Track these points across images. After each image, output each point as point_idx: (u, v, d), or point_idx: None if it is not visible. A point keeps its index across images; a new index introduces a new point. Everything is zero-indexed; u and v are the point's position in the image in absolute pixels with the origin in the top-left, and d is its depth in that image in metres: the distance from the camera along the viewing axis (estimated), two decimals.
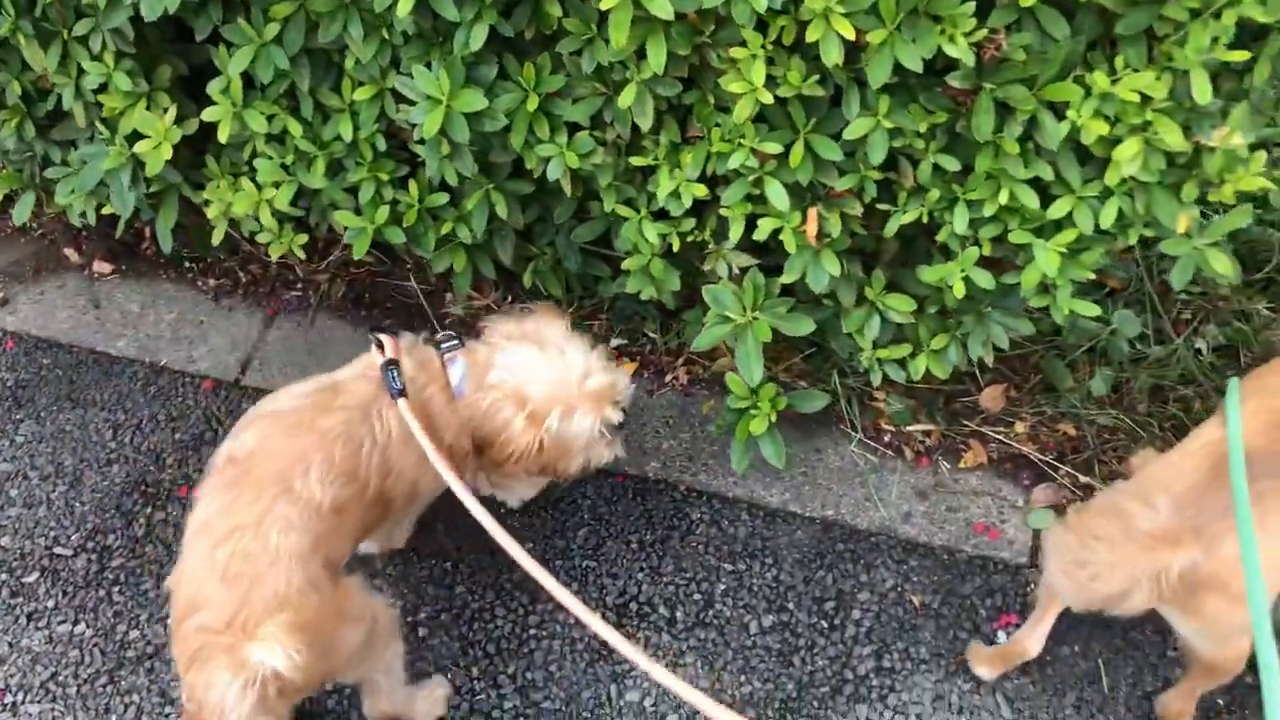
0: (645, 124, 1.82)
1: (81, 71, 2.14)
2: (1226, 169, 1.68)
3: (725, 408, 2.39)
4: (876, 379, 2.31)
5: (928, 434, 2.69)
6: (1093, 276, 1.86)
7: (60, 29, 2.10)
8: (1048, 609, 2.20)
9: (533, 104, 1.88)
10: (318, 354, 2.86)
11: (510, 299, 2.88)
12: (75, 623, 2.38)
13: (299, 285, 2.98)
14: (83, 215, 2.46)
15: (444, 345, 2.06)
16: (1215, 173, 1.68)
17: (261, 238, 2.42)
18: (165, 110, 2.14)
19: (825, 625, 2.41)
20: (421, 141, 2.05)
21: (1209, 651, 1.97)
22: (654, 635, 2.39)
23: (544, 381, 1.96)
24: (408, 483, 2.02)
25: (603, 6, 1.59)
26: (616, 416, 2.03)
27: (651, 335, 2.83)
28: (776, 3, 1.55)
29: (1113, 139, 1.64)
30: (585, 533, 2.55)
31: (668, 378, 2.81)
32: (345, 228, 2.23)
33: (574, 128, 1.97)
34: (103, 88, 2.15)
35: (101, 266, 3.01)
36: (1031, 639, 2.23)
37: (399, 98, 2.00)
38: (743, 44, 1.66)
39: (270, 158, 2.16)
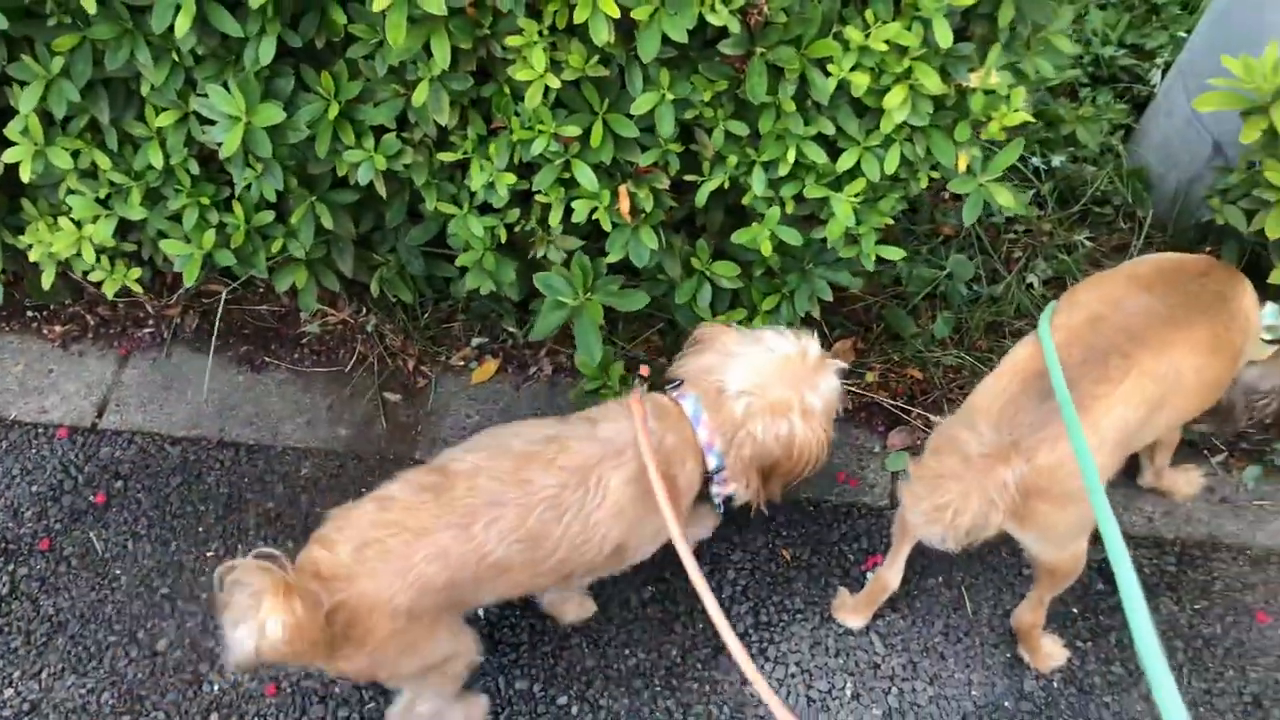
0: (444, 119, 1.86)
1: None
2: (990, 107, 1.79)
3: (580, 390, 2.44)
4: None
5: None
6: (891, 222, 1.95)
7: None
8: (901, 543, 2.30)
9: (334, 112, 1.90)
10: (176, 388, 2.82)
11: (364, 310, 2.89)
12: None
13: (150, 322, 2.94)
14: None
15: (669, 388, 1.97)
16: (980, 111, 1.79)
17: (94, 276, 2.38)
18: None
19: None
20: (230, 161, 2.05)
21: (1049, 556, 2.08)
22: (536, 622, 2.43)
23: (778, 377, 1.86)
24: (606, 549, 1.92)
25: (375, 9, 1.62)
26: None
27: (510, 330, 2.87)
28: None
29: (881, 89, 1.73)
30: None
31: (531, 371, 2.85)
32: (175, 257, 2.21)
33: (382, 130, 1.99)
34: None
35: None
36: (890, 573, 2.33)
37: (202, 119, 1.99)
38: (520, 32, 1.71)
39: (83, 194, 2.13)
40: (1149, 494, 2.59)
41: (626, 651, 2.39)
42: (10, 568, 2.51)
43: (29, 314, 2.96)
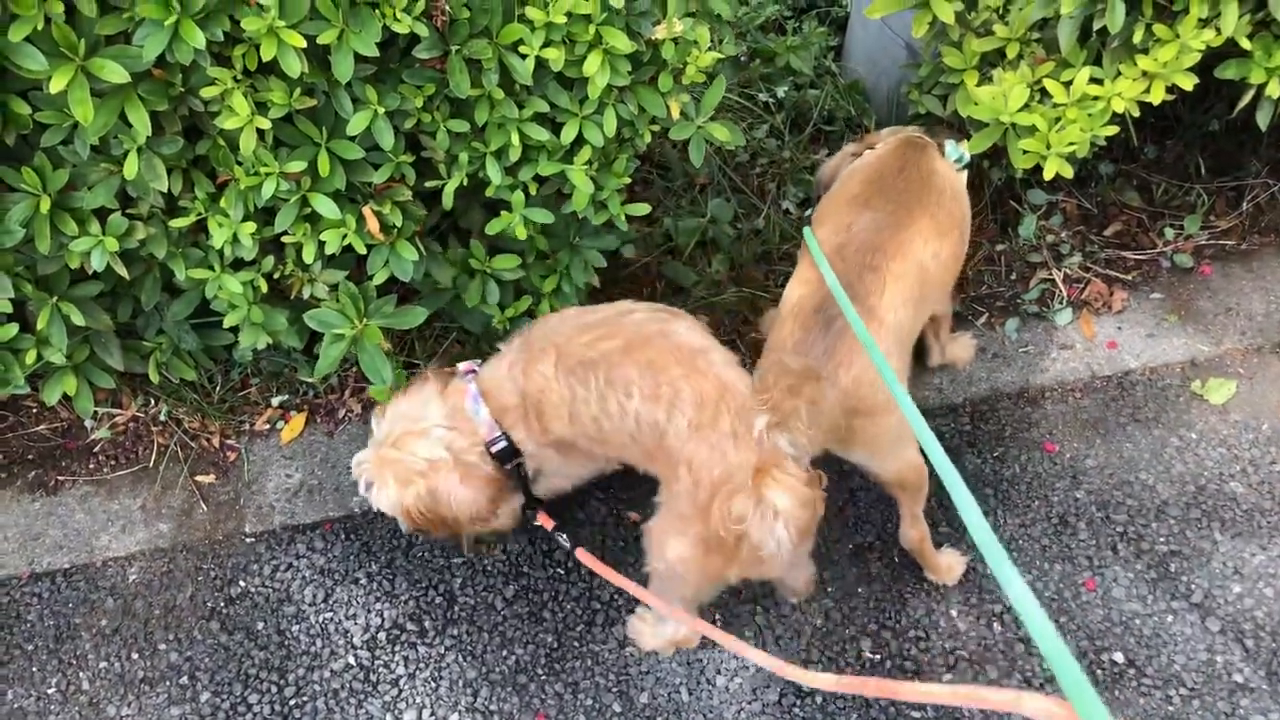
0: (164, 186, 1.83)
1: None
2: (683, 55, 1.92)
3: None
4: None
5: None
6: (628, 181, 2.06)
7: None
8: None
9: (46, 205, 1.83)
10: None
11: (152, 401, 2.78)
12: None
13: None
14: None
15: None
16: (676, 60, 1.92)
17: None
18: None
19: (561, 573, 2.54)
20: None
21: (887, 470, 2.21)
22: (410, 652, 2.42)
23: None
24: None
25: (52, 89, 1.58)
26: None
27: (306, 380, 2.83)
28: (220, 34, 1.60)
29: (579, 59, 1.83)
30: (311, 589, 2.53)
31: (341, 415, 2.83)
32: None
33: (105, 212, 1.93)
34: None
35: None
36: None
37: None
38: (214, 83, 1.71)
39: None
40: (935, 370, 2.84)
41: (504, 653, 2.43)
42: None
43: None
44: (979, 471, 2.69)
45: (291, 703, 2.37)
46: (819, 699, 2.34)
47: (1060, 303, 2.98)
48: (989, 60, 2.53)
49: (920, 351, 2.75)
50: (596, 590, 2.51)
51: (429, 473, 2.00)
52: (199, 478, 2.72)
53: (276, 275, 2.15)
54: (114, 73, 1.60)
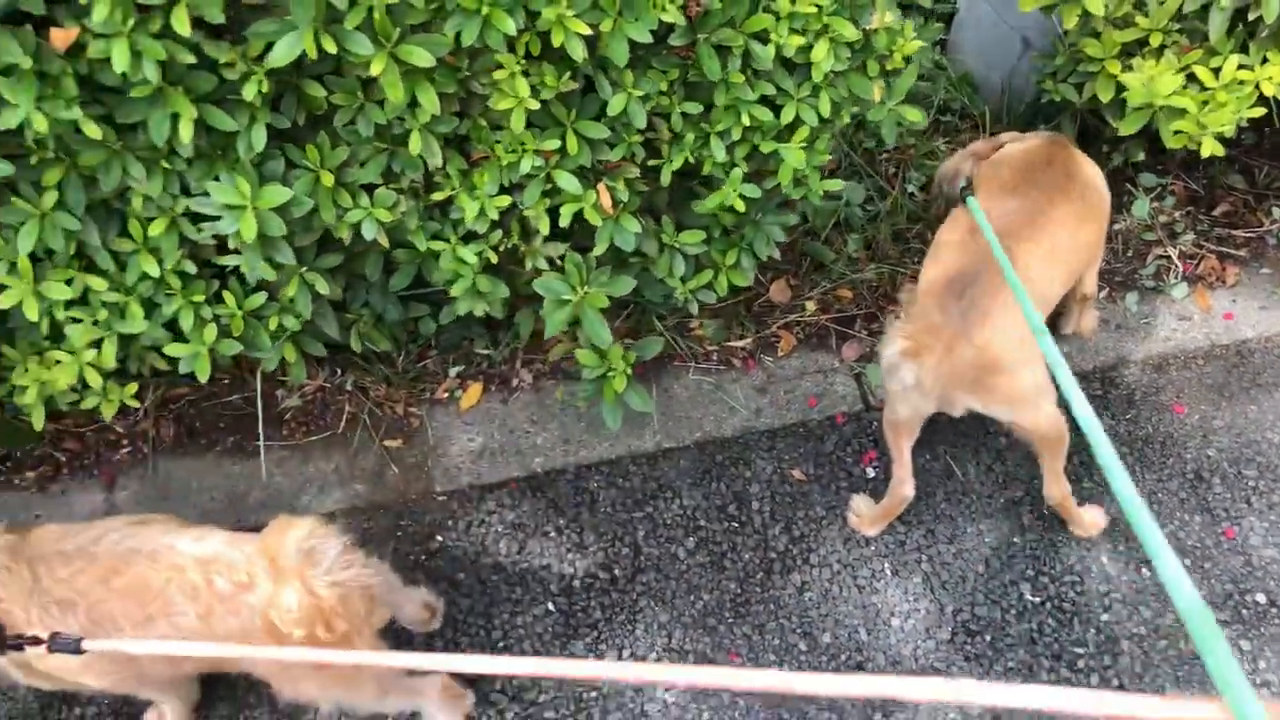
0: (436, 162, 2.03)
1: None
2: (891, 42, 2.13)
3: (583, 381, 2.65)
4: (695, 309, 2.65)
5: (744, 341, 3.08)
6: (829, 158, 2.26)
7: None
8: (900, 447, 2.53)
9: (328, 180, 2.03)
10: (174, 497, 2.83)
11: (338, 371, 2.97)
12: None
13: (125, 442, 2.92)
14: None
15: None
16: (885, 47, 2.13)
17: (88, 403, 2.39)
18: None
19: (736, 525, 2.74)
20: (231, 251, 2.14)
21: (1026, 422, 2.38)
22: (604, 599, 2.62)
23: None
24: None
25: (373, 72, 1.78)
26: None
27: (484, 352, 3.02)
28: (519, 23, 1.80)
29: (807, 46, 2.03)
30: (505, 542, 2.72)
31: (514, 383, 3.02)
32: (160, 364, 2.26)
33: (370, 187, 2.13)
34: None
35: None
36: (904, 484, 2.56)
37: (196, 218, 2.08)
38: (500, 67, 1.90)
39: (79, 320, 2.16)
40: (1064, 340, 3.04)
41: (692, 599, 2.62)
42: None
43: None
44: (1114, 431, 2.88)
45: (500, 645, 2.56)
46: (989, 636, 2.54)
47: (1175, 277, 3.18)
48: (1127, 50, 2.74)
49: (1050, 324, 2.96)
50: (771, 542, 2.71)
51: None
52: (387, 442, 2.91)
53: (502, 247, 2.34)
54: (421, 57, 1.79)
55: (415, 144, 1.98)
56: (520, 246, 2.36)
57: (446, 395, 3.00)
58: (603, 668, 1.60)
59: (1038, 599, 2.60)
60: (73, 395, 2.40)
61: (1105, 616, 2.57)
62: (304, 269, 2.28)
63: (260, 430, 2.87)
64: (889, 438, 2.57)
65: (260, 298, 2.32)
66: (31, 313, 2.04)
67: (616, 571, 2.67)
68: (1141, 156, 3.10)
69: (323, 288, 2.30)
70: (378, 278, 2.49)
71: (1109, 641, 2.53)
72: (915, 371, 2.15)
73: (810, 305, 3.13)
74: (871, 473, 2.80)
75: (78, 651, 1.74)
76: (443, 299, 2.73)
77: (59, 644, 1.76)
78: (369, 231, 2.11)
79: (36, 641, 1.78)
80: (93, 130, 1.77)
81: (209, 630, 1.85)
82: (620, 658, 2.54)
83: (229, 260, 2.21)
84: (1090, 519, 2.66)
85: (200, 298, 2.25)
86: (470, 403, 2.98)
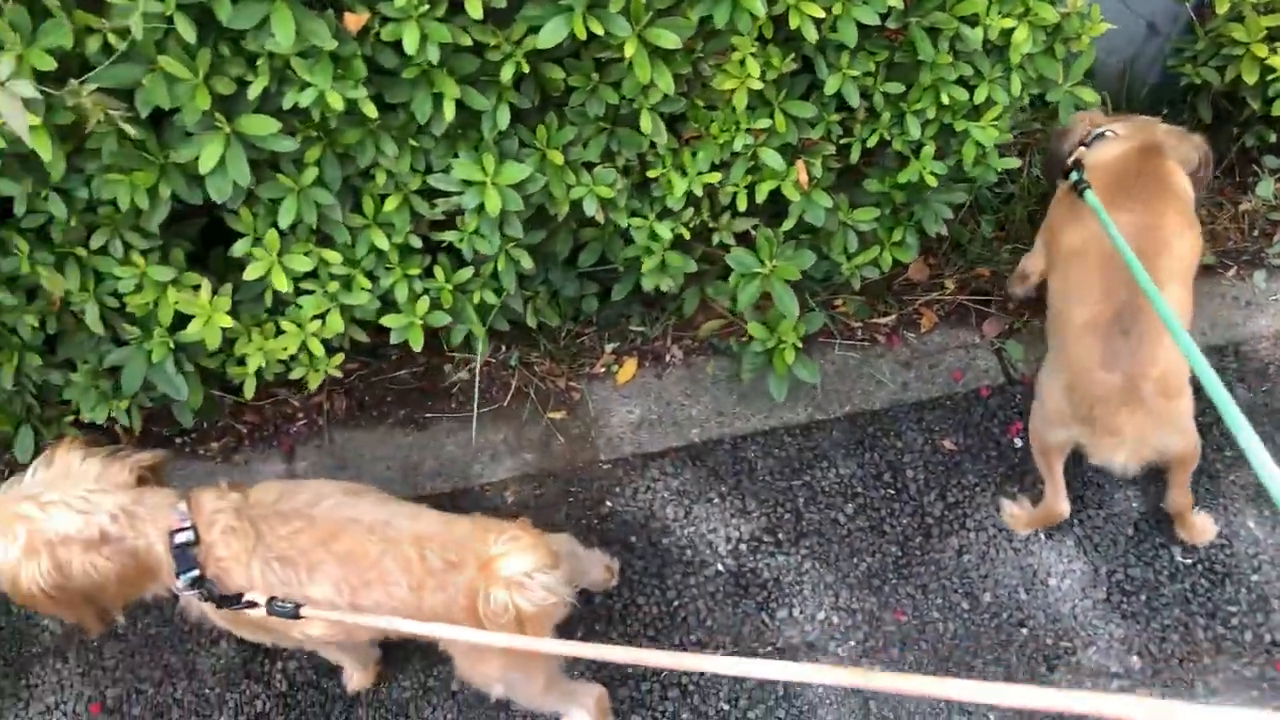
0: (662, 141, 2.15)
1: (99, 281, 2.20)
2: (1079, 25, 2.24)
3: (750, 353, 2.78)
4: (856, 285, 2.77)
5: (887, 319, 3.20)
6: (1010, 136, 2.38)
7: (74, 250, 2.14)
8: (1053, 467, 2.58)
9: (558, 158, 2.16)
10: (351, 466, 2.97)
11: (505, 347, 3.11)
12: None
13: (300, 415, 3.06)
14: (113, 421, 2.47)
15: None
16: (1074, 30, 2.24)
17: (296, 373, 2.53)
18: (197, 287, 2.23)
19: (892, 492, 2.86)
20: (449, 227, 2.28)
21: (1180, 445, 2.43)
22: (771, 560, 2.75)
23: None
24: None
25: (627, 54, 1.91)
26: None
27: (638, 329, 3.15)
28: (763, 7, 1.93)
29: (1009, 29, 2.15)
30: (672, 508, 2.86)
31: (667, 359, 3.15)
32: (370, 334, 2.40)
33: (588, 165, 2.26)
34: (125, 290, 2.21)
35: None
36: (1058, 502, 2.61)
37: (431, 194, 2.21)
38: (733, 49, 2.03)
39: (312, 292, 2.30)
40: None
41: (855, 561, 2.75)
42: (277, 665, 2.62)
43: (176, 442, 3.02)
44: (1251, 403, 2.99)
45: (675, 604, 2.69)
46: (1144, 596, 2.66)
47: None
48: (1271, 34, 2.84)
49: None
50: (927, 508, 2.83)
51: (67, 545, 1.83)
52: (551, 414, 3.05)
53: (691, 224, 2.47)
54: (668, 40, 1.92)
55: (646, 124, 2.11)
56: (709, 223, 2.48)
57: (604, 370, 3.13)
58: (713, 663, 1.52)
59: (1188, 560, 2.72)
60: (280, 366, 2.54)
61: (1255, 577, 2.68)
62: (510, 245, 2.41)
63: (454, 405, 3.01)
64: (1040, 459, 2.62)
65: (468, 272, 2.45)
66: (282, 284, 2.18)
67: (780, 535, 2.80)
68: (1273, 138, 3.20)
69: (526, 263, 2.43)
70: (566, 254, 2.62)
71: (1260, 600, 2.65)
72: (1121, 453, 2.30)
73: (949, 284, 3.24)
74: (1019, 443, 2.92)
75: (295, 617, 1.90)
76: (611, 277, 2.87)
77: (276, 608, 1.90)
78: (590, 208, 2.24)
79: (253, 605, 1.92)
80: (370, 110, 1.90)
81: (418, 602, 1.94)
82: (790, 615, 2.67)
83: (447, 236, 2.34)
84: (1202, 526, 2.70)
85: (416, 271, 2.38)
86: (626, 377, 3.11)
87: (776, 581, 2.73)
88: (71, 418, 2.65)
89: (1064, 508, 2.62)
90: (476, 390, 3.03)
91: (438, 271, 2.42)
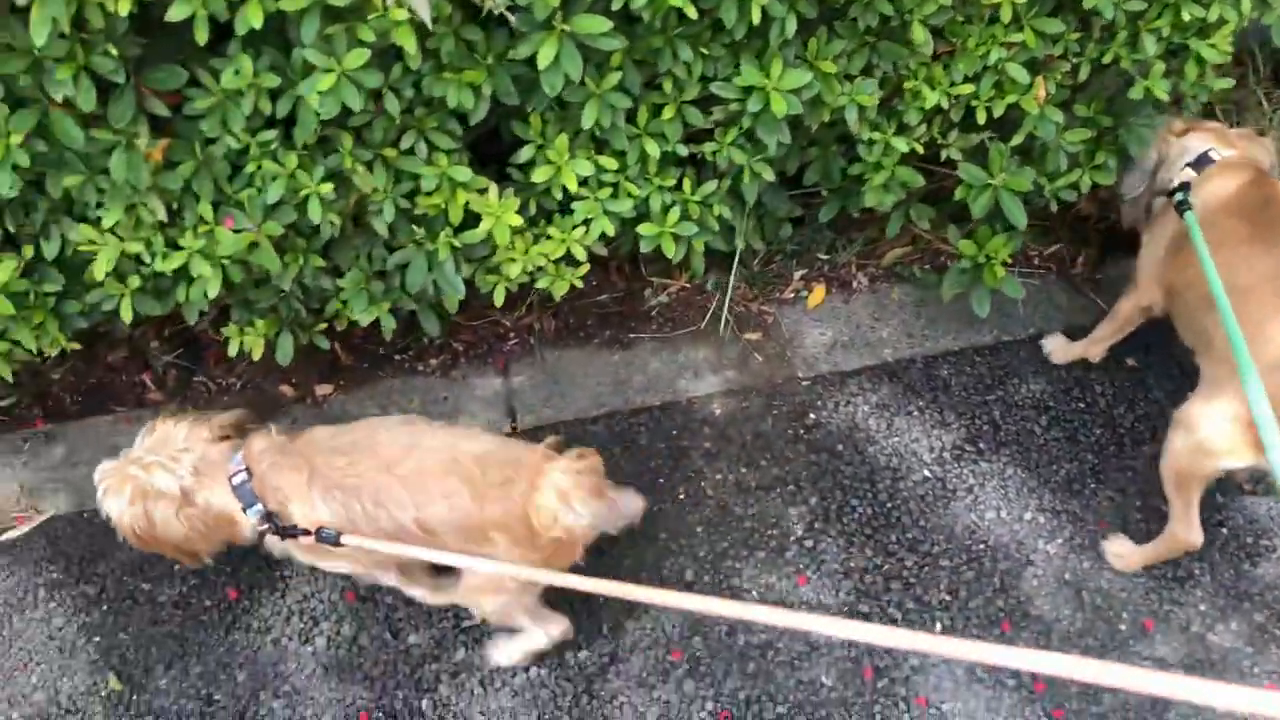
0: (928, 51, 2.32)
1: (396, 182, 2.36)
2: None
3: (955, 271, 2.94)
4: (1054, 206, 2.93)
5: (1055, 247, 3.36)
6: (1229, 55, 2.54)
7: (383, 150, 2.30)
8: (1192, 499, 2.46)
9: (830, 68, 2.32)
10: (564, 381, 3.13)
11: (703, 270, 3.27)
12: None
13: (511, 335, 3.23)
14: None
15: None
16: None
17: (542, 283, 2.69)
18: (484, 190, 2.40)
19: (1083, 405, 3.03)
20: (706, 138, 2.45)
21: None
22: (974, 467, 2.91)
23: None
24: None
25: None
26: None
27: (824, 257, 3.32)
28: None
29: None
30: (874, 420, 3.02)
31: (853, 285, 3.32)
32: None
33: (847, 78, 2.42)
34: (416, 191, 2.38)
35: (322, 389, 3.11)
36: (1191, 532, 2.49)
37: (704, 103, 2.37)
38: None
39: (586, 198, 2.46)
40: None
41: (1054, 468, 2.91)
42: None
43: (396, 358, 3.19)
44: None
45: (888, 505, 2.86)
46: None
47: None
48: None
49: None
50: (1118, 420, 2.99)
51: (156, 499, 2.15)
52: (747, 335, 3.21)
53: (922, 140, 2.63)
54: None
55: (918, 35, 2.27)
56: (937, 138, 2.64)
57: (792, 295, 3.29)
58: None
59: None
60: (524, 277, 2.71)
61: None
62: (756, 158, 2.57)
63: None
64: (1177, 490, 2.48)
65: (711, 185, 2.61)
66: (572, 184, 2.34)
67: (981, 445, 2.97)
68: None
69: (768, 175, 2.60)
70: (793, 171, 2.78)
71: None
72: None
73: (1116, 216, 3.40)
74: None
75: (337, 544, 2.09)
76: (812, 202, 3.03)
77: (324, 535, 2.10)
78: (851, 117, 2.40)
79: (306, 533, 2.12)
80: (692, 11, 2.07)
81: (480, 512, 2.10)
82: (998, 517, 2.83)
83: (707, 147, 2.50)
84: None
85: (671, 182, 2.54)
86: (816, 302, 3.28)
87: (981, 486, 2.89)
88: (324, 326, 2.83)
89: (1197, 538, 2.50)
90: (678, 311, 3.20)
91: (686, 185, 2.59)
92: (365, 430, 2.24)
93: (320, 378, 3.14)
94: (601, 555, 2.67)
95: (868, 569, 2.75)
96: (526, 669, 2.59)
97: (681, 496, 2.89)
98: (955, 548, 2.78)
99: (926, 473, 2.92)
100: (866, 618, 2.67)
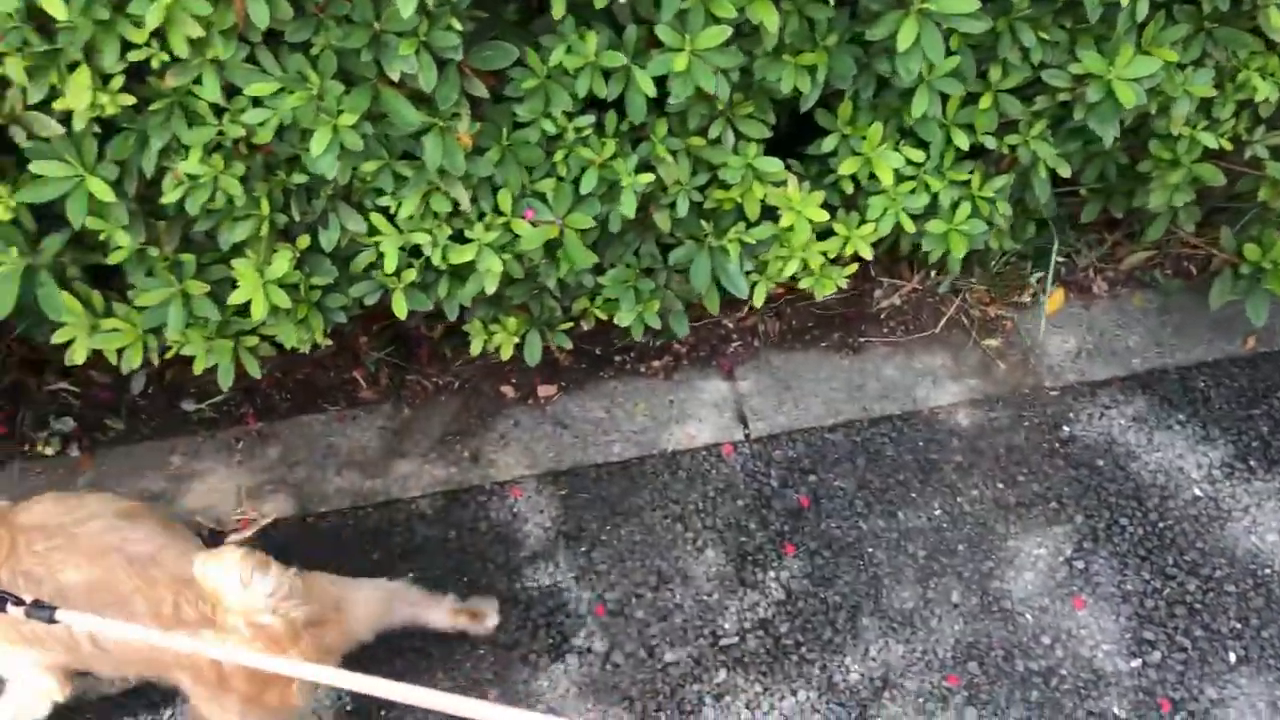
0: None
1: (694, 172, 2.22)
2: None
3: (1226, 276, 2.76)
4: None
5: None
6: None
7: (689, 139, 2.16)
8: None
9: (1172, 56, 2.16)
10: (795, 386, 2.98)
11: (932, 273, 3.11)
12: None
13: (734, 336, 3.08)
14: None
15: None
16: None
17: (806, 283, 2.53)
18: (781, 183, 2.25)
19: None
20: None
21: None
22: (1247, 485, 2.73)
23: None
24: None
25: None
26: None
27: (1061, 260, 3.14)
28: None
29: None
30: (1133, 434, 2.84)
31: (1094, 290, 3.14)
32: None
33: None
34: None
35: (545, 390, 2.98)
36: None
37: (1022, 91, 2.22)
38: None
39: (882, 192, 2.31)
40: None
41: None
42: (770, 574, 2.64)
43: (615, 359, 3.05)
44: None
45: (1159, 525, 2.68)
46: None
47: None
48: None
49: None
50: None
51: None
52: (987, 341, 3.05)
53: (1226, 135, 2.45)
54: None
55: (1276, 20, 2.10)
56: (1243, 135, 2.47)
57: (1029, 299, 3.12)
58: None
59: None
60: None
61: None
62: (1058, 151, 2.40)
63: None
64: None
65: (1001, 180, 2.45)
66: (887, 177, 2.19)
67: (1251, 462, 2.79)
68: None
69: (1064, 170, 2.43)
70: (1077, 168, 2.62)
71: None
72: None
73: None
74: None
75: (51, 621, 1.66)
76: (1069, 199, 2.86)
77: (35, 613, 1.68)
78: (1181, 110, 2.23)
79: (20, 603, 1.70)
80: None
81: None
82: None
83: (1010, 140, 2.35)
84: None
85: (963, 177, 2.38)
86: (1055, 307, 3.10)
87: (1259, 506, 2.71)
88: (568, 325, 2.69)
89: None
90: (912, 316, 3.05)
91: (975, 178, 2.43)
92: (87, 510, 1.98)
93: (543, 379, 3.00)
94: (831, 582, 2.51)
95: (1146, 593, 2.58)
96: (794, 692, 2.45)
97: (938, 512, 2.73)
98: (1239, 572, 2.60)
99: (1197, 491, 2.74)
100: (1152, 645, 2.50)
